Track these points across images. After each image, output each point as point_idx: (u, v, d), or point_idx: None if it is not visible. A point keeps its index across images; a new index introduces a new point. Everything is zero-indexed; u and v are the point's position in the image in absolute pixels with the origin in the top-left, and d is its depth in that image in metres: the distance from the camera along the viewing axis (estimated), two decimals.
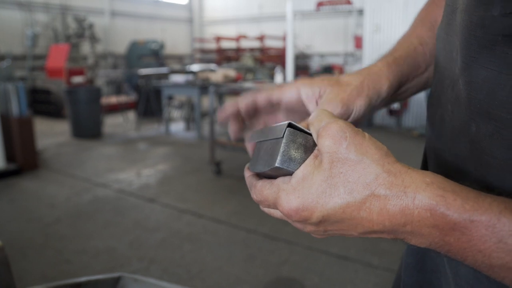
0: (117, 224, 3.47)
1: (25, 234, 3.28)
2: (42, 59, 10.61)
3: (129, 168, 5.19)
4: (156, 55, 12.21)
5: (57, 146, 6.43)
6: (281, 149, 0.36)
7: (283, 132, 0.36)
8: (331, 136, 0.34)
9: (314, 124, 0.37)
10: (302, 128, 0.37)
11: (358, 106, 0.49)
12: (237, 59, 13.61)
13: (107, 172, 5.01)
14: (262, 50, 14.28)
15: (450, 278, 0.44)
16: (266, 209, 0.42)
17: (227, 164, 5.08)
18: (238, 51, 14.58)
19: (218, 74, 7.03)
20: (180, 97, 8.25)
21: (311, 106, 0.50)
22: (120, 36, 14.15)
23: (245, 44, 15.11)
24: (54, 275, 2.66)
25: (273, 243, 3.10)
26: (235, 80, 6.94)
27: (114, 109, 9.31)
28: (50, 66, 9.40)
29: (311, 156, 0.35)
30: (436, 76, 0.50)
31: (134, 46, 12.43)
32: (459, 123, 0.41)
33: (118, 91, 10.86)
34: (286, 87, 0.51)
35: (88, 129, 7.01)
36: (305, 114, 0.52)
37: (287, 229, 3.27)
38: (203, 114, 7.33)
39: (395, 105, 7.43)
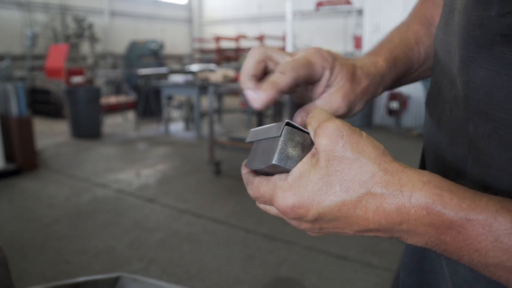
0: (116, 224, 3.47)
1: (24, 234, 3.28)
2: (42, 59, 10.60)
3: (129, 168, 5.19)
4: (156, 55, 12.21)
5: (57, 146, 6.43)
6: (279, 147, 0.36)
7: (281, 130, 0.37)
8: (327, 135, 0.34)
9: (312, 123, 0.37)
10: (300, 127, 0.38)
11: (357, 108, 0.50)
12: (236, 59, 13.60)
13: (107, 172, 5.01)
14: None
15: (448, 278, 0.44)
16: (262, 206, 0.42)
17: (227, 164, 5.08)
18: (238, 51, 14.57)
19: (218, 74, 7.03)
20: (180, 97, 8.25)
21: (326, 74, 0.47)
22: (119, 36, 14.15)
23: (244, 44, 15.11)
24: (54, 275, 2.66)
25: (272, 243, 3.11)
26: (234, 80, 6.94)
27: (114, 109, 9.31)
28: (50, 66, 9.40)
29: (308, 155, 0.36)
30: (434, 76, 0.50)
31: (134, 46, 12.43)
32: (457, 123, 0.41)
33: (118, 91, 10.85)
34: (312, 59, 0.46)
35: (87, 129, 7.00)
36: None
37: (286, 229, 3.27)
38: (203, 114, 7.32)
39: (394, 105, 7.44)
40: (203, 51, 16.20)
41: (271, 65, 0.46)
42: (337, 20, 13.34)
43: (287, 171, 0.36)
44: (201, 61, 15.02)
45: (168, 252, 2.97)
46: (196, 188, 4.44)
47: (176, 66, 12.19)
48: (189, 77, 7.28)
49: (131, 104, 9.49)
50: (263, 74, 0.46)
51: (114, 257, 2.91)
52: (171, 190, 4.34)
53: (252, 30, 15.62)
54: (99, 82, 10.76)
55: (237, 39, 14.49)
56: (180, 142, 6.73)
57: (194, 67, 9.57)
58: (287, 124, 0.37)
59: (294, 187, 0.35)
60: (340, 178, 0.33)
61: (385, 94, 7.70)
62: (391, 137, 7.02)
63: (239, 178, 4.64)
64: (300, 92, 0.51)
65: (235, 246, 3.07)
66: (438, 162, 0.46)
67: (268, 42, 14.86)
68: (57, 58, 9.28)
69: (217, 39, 14.46)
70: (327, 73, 0.46)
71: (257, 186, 0.39)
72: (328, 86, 0.47)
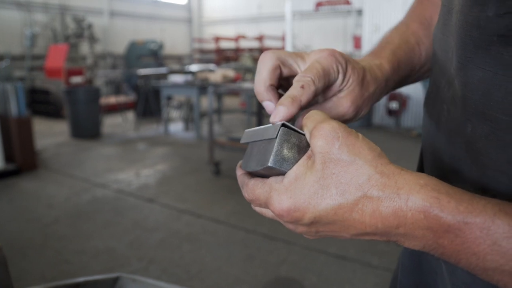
0: (116, 224, 3.47)
1: (24, 234, 3.28)
2: (41, 59, 10.60)
3: (128, 168, 5.19)
4: (155, 55, 12.21)
5: (56, 146, 6.43)
6: (275, 149, 0.36)
7: (276, 132, 0.36)
8: (323, 137, 0.33)
9: (307, 124, 0.36)
10: (296, 128, 0.37)
11: (363, 113, 0.49)
12: (236, 59, 13.60)
13: (106, 172, 5.00)
14: (261, 50, 14.26)
15: (447, 279, 0.44)
16: (257, 209, 0.42)
17: (226, 164, 5.08)
18: (237, 51, 14.57)
19: (217, 74, 7.03)
20: (179, 97, 8.24)
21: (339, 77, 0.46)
22: (119, 36, 14.14)
23: (244, 44, 15.11)
24: (54, 275, 2.66)
25: (272, 243, 3.11)
26: (234, 80, 6.94)
27: (113, 109, 9.31)
28: (49, 66, 9.39)
29: (304, 157, 0.35)
30: (433, 76, 0.50)
31: (133, 46, 12.42)
32: (455, 124, 0.41)
33: (117, 91, 10.85)
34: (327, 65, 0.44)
35: (87, 129, 7.00)
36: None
37: (285, 229, 3.26)
38: (202, 114, 7.32)
39: (394, 105, 7.44)
40: (202, 51, 16.20)
41: (285, 71, 0.45)
42: (337, 20, 13.34)
43: (283, 173, 0.36)
44: (201, 61, 15.02)
45: (168, 252, 2.97)
46: (195, 188, 4.44)
47: (175, 66, 12.19)
48: (189, 77, 7.28)
49: (131, 104, 9.49)
50: (278, 82, 0.45)
51: (114, 257, 2.90)
52: (170, 190, 4.34)
53: (251, 30, 15.61)
54: (99, 82, 10.76)
55: (236, 39, 14.49)
56: (180, 142, 6.73)
57: (194, 67, 9.57)
58: (283, 125, 0.37)
59: (290, 190, 0.34)
60: (336, 181, 0.33)
61: None
62: (391, 137, 7.02)
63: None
64: None
65: (235, 246, 3.07)
66: (436, 163, 0.46)
67: (268, 42, 14.86)
68: (56, 58, 9.28)
69: (217, 39, 14.46)
70: (340, 77, 0.45)
71: (252, 189, 0.39)
72: (339, 90, 0.46)
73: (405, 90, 7.45)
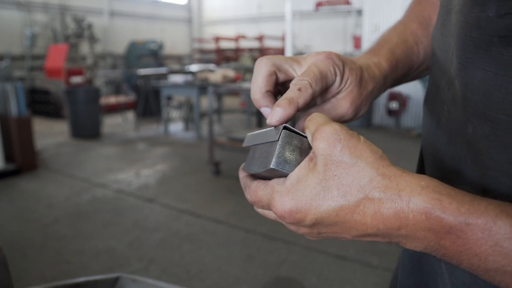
0: (116, 224, 3.47)
1: (24, 234, 3.28)
2: (41, 59, 10.60)
3: (128, 168, 5.19)
4: (155, 55, 12.21)
5: (56, 146, 6.43)
6: (277, 151, 0.36)
7: (278, 134, 0.37)
8: (325, 139, 0.34)
9: (309, 126, 0.36)
10: (298, 131, 0.37)
11: (362, 112, 0.50)
12: (236, 59, 13.60)
13: (106, 172, 5.00)
14: (261, 50, 14.27)
15: (447, 279, 0.44)
16: (260, 210, 0.42)
17: (226, 164, 5.08)
18: (237, 51, 14.57)
19: (217, 74, 7.03)
20: (179, 97, 8.24)
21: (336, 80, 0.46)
22: (119, 36, 14.14)
23: (244, 44, 15.11)
24: (54, 275, 2.66)
25: (272, 243, 3.11)
26: (234, 80, 6.94)
27: (113, 109, 9.31)
28: (49, 66, 9.39)
29: (306, 159, 0.35)
30: (432, 77, 0.50)
31: (133, 46, 12.42)
32: (456, 124, 0.40)
33: (117, 91, 10.85)
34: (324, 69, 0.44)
35: (87, 129, 7.00)
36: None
37: (286, 229, 3.26)
38: (202, 114, 7.32)
39: (394, 105, 7.44)
40: (202, 51, 16.20)
41: (281, 77, 0.45)
42: (337, 20, 13.34)
43: (285, 175, 0.36)
44: (201, 61, 15.02)
45: (168, 252, 2.97)
46: (195, 188, 4.44)
47: (175, 66, 12.19)
48: (189, 77, 7.28)
49: (131, 104, 9.49)
50: (275, 88, 0.45)
51: (114, 257, 2.90)
52: (170, 190, 4.34)
53: (251, 30, 15.61)
54: (99, 82, 10.76)
55: (236, 39, 14.49)
56: (180, 142, 6.73)
57: (194, 67, 9.57)
58: (285, 128, 0.37)
59: (292, 192, 0.34)
60: (338, 182, 0.33)
61: (385, 94, 7.70)
62: (391, 137, 7.02)
63: (239, 178, 4.62)
64: None
65: (235, 246, 3.07)
66: (437, 163, 0.46)
67: (268, 42, 14.87)
68: (56, 58, 9.28)
69: (217, 39, 14.46)
70: (338, 80, 0.45)
71: (255, 191, 0.39)
72: (337, 92, 0.46)
73: (405, 90, 7.45)
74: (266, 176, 0.39)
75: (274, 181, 0.37)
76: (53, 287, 0.78)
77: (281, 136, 0.36)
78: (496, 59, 0.33)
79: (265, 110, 0.42)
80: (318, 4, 8.80)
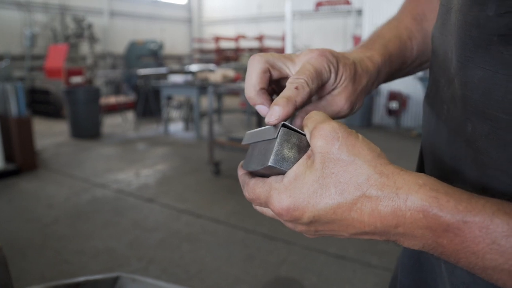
0: (116, 224, 3.47)
1: (24, 234, 3.28)
2: (41, 59, 10.60)
3: (128, 168, 5.19)
4: (155, 55, 12.21)
5: (56, 146, 6.43)
6: (275, 148, 0.36)
7: (277, 132, 0.37)
8: (323, 137, 0.34)
9: (308, 124, 0.37)
10: (296, 128, 0.37)
11: (357, 107, 0.50)
12: (236, 59, 13.60)
13: (106, 172, 5.00)
14: (261, 50, 14.27)
15: (446, 278, 0.44)
16: (258, 208, 0.42)
17: (226, 164, 5.08)
18: (237, 51, 14.58)
19: (217, 74, 7.03)
20: (179, 97, 8.25)
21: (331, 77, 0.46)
22: (119, 36, 14.15)
23: (244, 44, 15.11)
24: (53, 275, 2.66)
25: (271, 243, 3.11)
26: (234, 80, 6.94)
27: (113, 109, 9.31)
28: (49, 66, 9.39)
29: (304, 156, 0.36)
30: (432, 76, 0.50)
31: (133, 46, 12.42)
32: (455, 123, 0.41)
33: (117, 91, 10.85)
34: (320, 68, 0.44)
35: (87, 129, 7.00)
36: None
37: (285, 229, 3.27)
38: (202, 114, 7.32)
39: (394, 105, 7.44)
40: (202, 51, 16.20)
41: (275, 74, 0.45)
42: (337, 20, 13.34)
43: (283, 172, 0.36)
44: (201, 61, 15.03)
45: (167, 252, 2.97)
46: (195, 188, 4.44)
47: (175, 66, 12.20)
48: (189, 77, 7.28)
49: (131, 104, 9.49)
50: (269, 85, 0.45)
51: (114, 257, 2.90)
52: (170, 190, 4.34)
53: (251, 30, 15.62)
54: (99, 82, 10.76)
55: (236, 39, 14.50)
56: (180, 142, 6.73)
57: (194, 67, 9.58)
58: (283, 125, 0.37)
59: (290, 189, 0.35)
60: (335, 180, 0.33)
61: (385, 94, 7.70)
62: (391, 137, 7.03)
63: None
64: None
65: (235, 246, 3.07)
66: (436, 162, 0.46)
67: (268, 42, 14.87)
68: (56, 58, 9.28)
69: (217, 39, 14.46)
70: (333, 76, 0.45)
71: (253, 188, 0.39)
72: (332, 88, 0.47)
73: (405, 90, 7.45)
74: (265, 173, 0.39)
75: (272, 179, 0.37)
76: (53, 286, 0.78)
77: (279, 133, 0.36)
78: (495, 58, 0.33)
79: (260, 108, 0.42)
80: (318, 4, 8.80)
